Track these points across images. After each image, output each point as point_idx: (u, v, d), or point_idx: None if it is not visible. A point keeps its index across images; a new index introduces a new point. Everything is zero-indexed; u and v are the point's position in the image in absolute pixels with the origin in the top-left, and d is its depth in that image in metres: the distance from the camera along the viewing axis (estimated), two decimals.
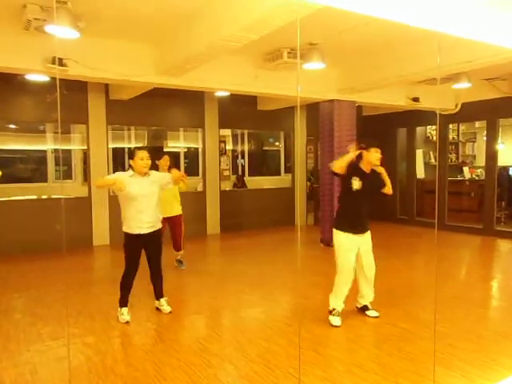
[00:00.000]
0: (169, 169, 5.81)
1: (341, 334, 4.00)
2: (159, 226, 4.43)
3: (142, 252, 4.36)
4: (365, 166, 4.18)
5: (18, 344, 3.77)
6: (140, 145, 10.41)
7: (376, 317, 4.33)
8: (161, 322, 4.33)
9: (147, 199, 4.27)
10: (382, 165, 4.33)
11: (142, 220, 4.24)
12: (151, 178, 4.35)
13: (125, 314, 4.31)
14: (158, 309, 4.56)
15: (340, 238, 4.19)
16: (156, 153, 6.22)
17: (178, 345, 3.75)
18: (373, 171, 4.24)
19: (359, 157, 4.17)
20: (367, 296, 4.42)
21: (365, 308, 4.43)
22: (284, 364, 3.34)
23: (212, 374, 3.22)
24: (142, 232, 4.24)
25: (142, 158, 4.23)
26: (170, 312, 4.50)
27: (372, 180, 4.20)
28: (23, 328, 4.14)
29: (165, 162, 5.84)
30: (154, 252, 4.45)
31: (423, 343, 3.69)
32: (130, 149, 9.83)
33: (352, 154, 4.13)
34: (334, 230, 4.25)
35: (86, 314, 4.48)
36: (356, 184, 4.10)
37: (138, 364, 3.39)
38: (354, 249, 4.17)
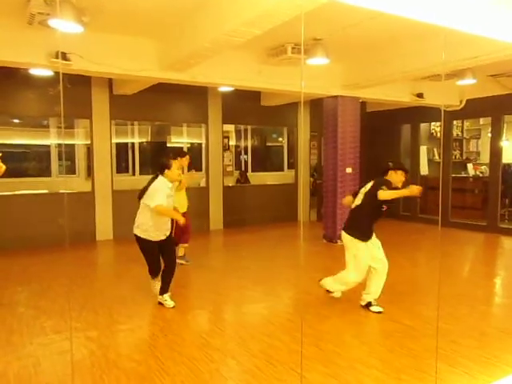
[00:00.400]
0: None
1: (343, 330, 4.00)
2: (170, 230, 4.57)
3: None
4: (394, 183, 4.32)
5: (21, 337, 3.79)
6: (143, 140, 10.41)
7: (379, 312, 4.33)
8: (164, 317, 4.34)
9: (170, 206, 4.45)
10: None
11: (163, 228, 4.39)
12: (170, 185, 4.49)
13: (168, 300, 4.49)
14: (160, 303, 4.57)
15: (360, 246, 4.32)
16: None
17: (181, 339, 3.76)
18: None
19: (385, 175, 4.32)
20: (375, 293, 4.43)
21: (368, 304, 4.43)
22: (286, 359, 3.34)
23: (214, 369, 3.23)
24: (161, 238, 4.40)
25: (179, 168, 4.44)
26: (174, 307, 4.51)
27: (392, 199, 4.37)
28: (26, 321, 4.16)
29: (187, 161, 5.99)
30: (169, 249, 4.55)
31: (426, 340, 3.68)
32: (133, 147, 9.85)
33: (407, 191, 4.26)
34: (353, 239, 4.34)
35: (89, 309, 4.49)
36: (385, 205, 4.29)
37: (141, 358, 3.40)
38: (369, 253, 4.35)
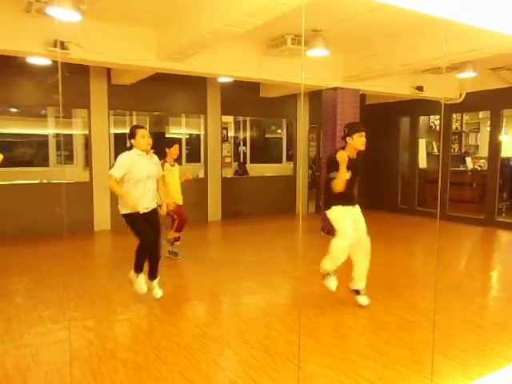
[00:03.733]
0: (176, 159, 5.92)
1: (340, 322, 4.02)
2: (155, 205, 4.44)
3: None
4: (350, 153, 4.13)
5: (19, 326, 3.80)
6: None
7: (366, 305, 4.28)
8: (161, 307, 4.35)
9: (152, 180, 4.35)
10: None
11: (145, 199, 4.27)
12: (154, 160, 4.41)
13: (142, 282, 4.30)
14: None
15: (337, 210, 4.18)
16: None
17: (178, 330, 3.78)
18: (357, 154, 4.20)
19: (345, 143, 4.14)
20: (358, 281, 4.32)
21: (357, 292, 4.35)
22: (283, 350, 3.36)
23: (211, 359, 3.24)
24: (145, 211, 4.28)
25: (144, 136, 4.25)
26: (161, 297, 4.43)
27: (357, 164, 4.19)
28: (24, 311, 4.17)
29: (175, 150, 5.85)
30: (154, 230, 4.38)
31: (422, 332, 3.70)
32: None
33: (343, 170, 4.03)
34: (330, 209, 4.21)
35: (86, 298, 4.50)
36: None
37: (138, 348, 3.42)
38: (350, 217, 4.18)
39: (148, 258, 4.41)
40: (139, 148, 4.26)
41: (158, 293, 4.45)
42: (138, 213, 4.22)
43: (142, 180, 4.23)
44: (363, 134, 4.13)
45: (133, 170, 4.18)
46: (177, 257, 6.07)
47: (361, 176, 4.39)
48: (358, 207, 4.34)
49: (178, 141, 6.23)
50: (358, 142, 4.10)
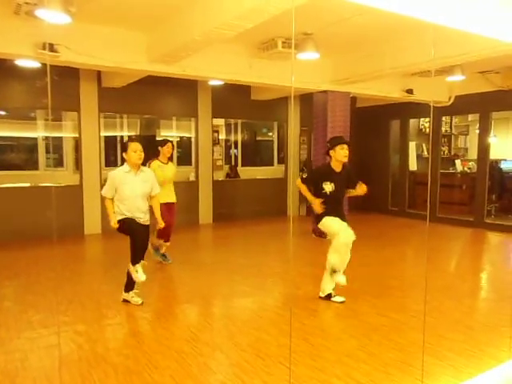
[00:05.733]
0: (170, 157, 5.92)
1: (331, 324, 4.03)
2: (148, 221, 4.44)
3: None
4: (335, 165, 4.29)
5: (8, 331, 3.75)
6: (132, 133, 10.31)
7: (342, 302, 4.39)
8: (152, 311, 4.33)
9: (140, 198, 4.33)
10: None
11: (136, 212, 4.29)
12: (144, 177, 4.37)
13: (140, 271, 4.23)
14: (125, 300, 4.46)
15: (329, 218, 4.32)
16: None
17: (169, 333, 3.76)
18: (344, 167, 4.35)
19: (329, 157, 4.32)
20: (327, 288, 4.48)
21: (329, 296, 4.47)
22: (275, 353, 3.35)
23: (203, 363, 3.23)
24: (138, 220, 4.29)
25: (136, 151, 4.24)
26: (142, 303, 4.38)
27: (343, 176, 4.33)
28: (13, 315, 4.12)
29: (168, 149, 5.85)
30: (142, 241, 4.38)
31: (413, 333, 3.72)
32: (122, 140, 9.77)
33: (310, 198, 4.35)
34: (322, 221, 4.37)
35: (77, 303, 4.46)
36: (328, 187, 4.26)
37: (129, 352, 3.39)
38: (341, 223, 4.32)
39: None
40: (129, 162, 4.27)
41: (137, 301, 4.39)
42: (130, 218, 4.24)
43: (127, 199, 4.23)
44: (345, 146, 4.26)
45: (119, 188, 4.22)
46: (167, 260, 6.03)
47: (353, 187, 4.47)
48: (346, 224, 4.44)
49: (171, 140, 6.20)
50: (340, 154, 4.23)
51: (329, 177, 4.29)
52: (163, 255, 6.02)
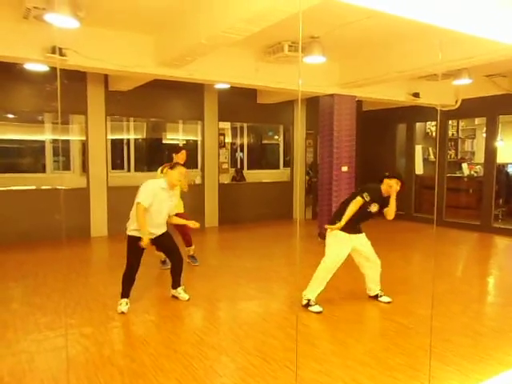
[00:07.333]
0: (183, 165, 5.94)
1: (337, 328, 4.01)
2: (164, 229, 4.51)
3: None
4: (385, 191, 4.45)
5: (15, 333, 3.78)
6: (139, 137, 10.37)
7: (388, 302, 4.55)
8: (158, 314, 4.34)
9: (165, 215, 4.43)
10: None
11: (153, 228, 4.32)
12: (172, 197, 4.48)
13: (123, 304, 4.30)
14: (174, 296, 4.68)
15: (340, 235, 4.36)
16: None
17: (175, 336, 3.76)
18: (387, 196, 4.49)
19: (381, 181, 4.48)
20: (373, 289, 4.64)
21: (376, 296, 4.65)
22: (281, 357, 3.35)
23: (208, 366, 3.23)
24: (150, 237, 4.28)
25: (181, 173, 4.36)
26: (189, 299, 4.62)
27: (385, 203, 4.47)
28: (20, 317, 4.15)
29: (182, 156, 5.86)
30: (170, 245, 4.55)
31: (419, 338, 3.70)
32: (129, 143, 9.82)
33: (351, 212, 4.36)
34: (335, 232, 4.38)
35: (83, 305, 4.48)
36: (374, 208, 4.41)
37: (135, 355, 3.40)
38: (349, 247, 4.40)
39: (171, 272, 4.64)
40: (170, 180, 4.33)
41: (184, 297, 4.66)
42: (139, 239, 4.19)
43: (153, 213, 4.27)
44: (400, 183, 4.48)
45: (154, 201, 4.25)
46: (195, 262, 6.18)
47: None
48: (363, 234, 4.55)
49: (186, 148, 6.25)
50: (394, 187, 4.43)
51: (379, 199, 4.43)
52: (192, 257, 6.21)
